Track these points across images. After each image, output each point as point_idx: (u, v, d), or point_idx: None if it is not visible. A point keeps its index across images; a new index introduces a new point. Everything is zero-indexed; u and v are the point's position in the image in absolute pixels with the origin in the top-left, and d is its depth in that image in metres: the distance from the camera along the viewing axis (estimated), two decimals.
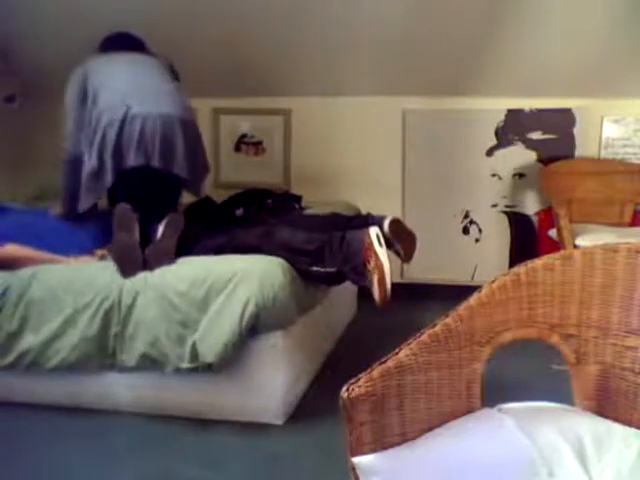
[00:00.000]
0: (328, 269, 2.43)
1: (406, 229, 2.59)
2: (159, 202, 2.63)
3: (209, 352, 2.26)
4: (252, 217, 3.15)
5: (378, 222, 2.56)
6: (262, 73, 3.73)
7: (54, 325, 2.39)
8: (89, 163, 2.57)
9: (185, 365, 2.29)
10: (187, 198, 3.27)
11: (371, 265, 2.29)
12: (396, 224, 2.55)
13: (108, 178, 2.53)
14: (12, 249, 2.57)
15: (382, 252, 2.30)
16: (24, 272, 2.48)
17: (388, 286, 2.29)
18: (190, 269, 2.39)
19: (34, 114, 4.10)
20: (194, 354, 2.28)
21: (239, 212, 3.25)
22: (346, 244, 2.38)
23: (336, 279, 2.54)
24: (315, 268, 2.44)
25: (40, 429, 2.33)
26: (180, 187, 2.74)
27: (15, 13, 3.46)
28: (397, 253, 2.57)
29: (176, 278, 2.36)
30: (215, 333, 2.26)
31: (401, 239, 2.53)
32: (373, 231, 2.36)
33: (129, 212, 2.51)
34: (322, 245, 2.42)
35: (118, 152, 2.51)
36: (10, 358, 2.43)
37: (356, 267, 2.35)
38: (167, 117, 2.55)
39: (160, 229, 2.53)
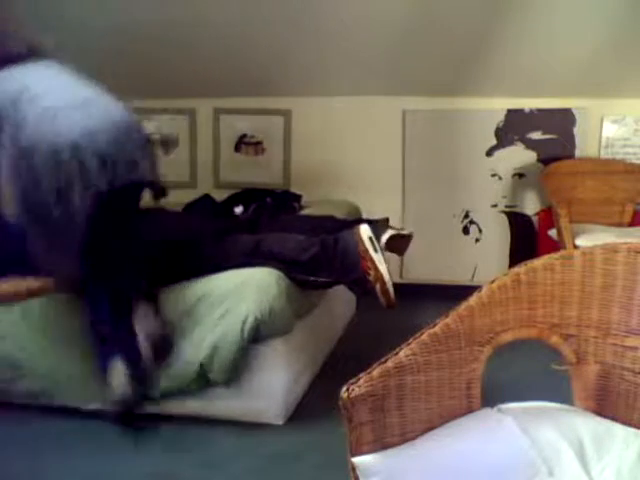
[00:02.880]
0: (324, 279, 2.41)
1: (403, 237, 2.55)
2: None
3: (218, 372, 2.26)
4: (251, 216, 3.15)
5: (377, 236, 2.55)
6: (262, 73, 3.73)
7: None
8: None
9: (195, 386, 2.30)
10: (187, 196, 3.28)
11: (371, 276, 2.27)
12: (393, 240, 2.50)
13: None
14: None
15: (379, 259, 2.28)
16: None
17: (391, 292, 2.27)
18: (185, 289, 2.36)
19: None
20: (203, 376, 2.28)
21: (238, 210, 3.25)
22: (340, 252, 2.33)
23: (333, 285, 2.53)
24: (312, 278, 2.41)
25: (40, 430, 2.33)
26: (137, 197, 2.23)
27: (16, 13, 3.46)
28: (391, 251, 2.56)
29: (170, 301, 2.34)
30: (219, 352, 2.26)
31: (398, 248, 2.52)
32: (365, 234, 2.31)
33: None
34: (315, 254, 2.37)
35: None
36: None
37: (357, 280, 2.33)
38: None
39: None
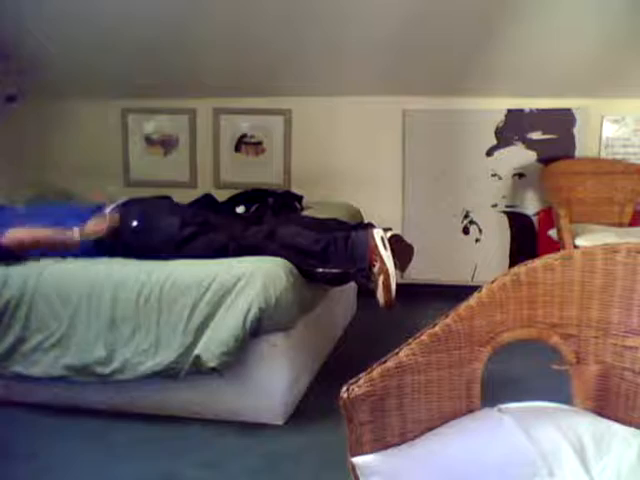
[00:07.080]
0: (333, 270, 2.43)
1: (404, 243, 2.57)
2: None
3: (212, 357, 2.25)
4: (253, 215, 3.15)
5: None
6: (262, 73, 3.73)
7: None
8: None
9: (188, 368, 2.29)
10: (187, 196, 3.27)
11: (376, 268, 2.30)
12: (394, 239, 2.54)
13: None
14: (14, 232, 2.52)
15: (387, 255, 2.32)
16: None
17: (393, 289, 2.30)
18: (192, 275, 2.36)
19: (34, 114, 4.10)
20: (197, 360, 2.28)
21: (240, 209, 3.25)
22: (351, 244, 2.39)
23: (341, 280, 2.54)
24: (320, 270, 2.44)
25: (40, 429, 2.33)
26: None
27: (16, 13, 3.47)
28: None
29: (178, 286, 2.34)
30: (218, 338, 2.26)
31: (398, 253, 2.53)
32: (377, 233, 2.37)
33: None
34: (327, 245, 2.42)
35: None
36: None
37: (362, 270, 2.36)
38: None
39: None
